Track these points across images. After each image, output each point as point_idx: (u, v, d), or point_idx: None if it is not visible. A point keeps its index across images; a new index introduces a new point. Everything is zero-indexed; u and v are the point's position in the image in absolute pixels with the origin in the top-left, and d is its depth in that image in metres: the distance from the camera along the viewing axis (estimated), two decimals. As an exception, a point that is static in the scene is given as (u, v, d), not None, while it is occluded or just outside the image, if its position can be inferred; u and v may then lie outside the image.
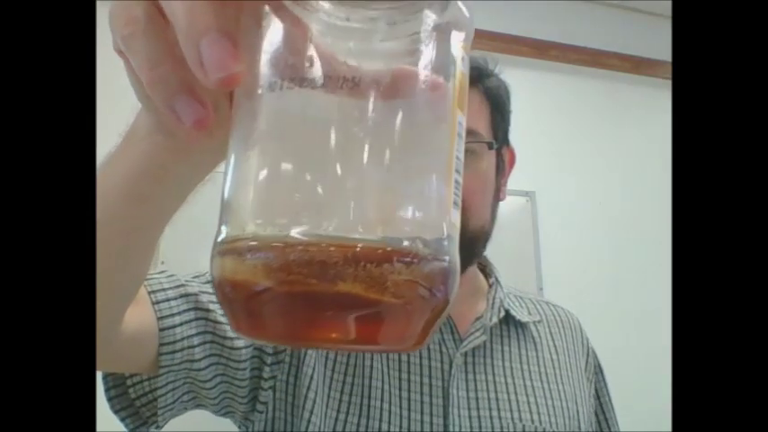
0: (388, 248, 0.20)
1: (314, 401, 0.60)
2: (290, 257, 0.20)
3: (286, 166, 0.21)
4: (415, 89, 0.21)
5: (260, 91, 0.21)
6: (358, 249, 0.20)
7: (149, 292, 0.50)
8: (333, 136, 0.21)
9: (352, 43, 0.21)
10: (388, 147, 0.21)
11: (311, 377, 0.61)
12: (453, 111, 0.23)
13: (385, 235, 0.20)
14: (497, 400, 0.65)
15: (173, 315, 0.51)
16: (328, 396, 0.61)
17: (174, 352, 0.50)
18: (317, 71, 0.20)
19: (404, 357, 0.64)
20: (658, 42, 2.20)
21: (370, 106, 0.20)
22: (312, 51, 0.21)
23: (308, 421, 0.59)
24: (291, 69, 0.21)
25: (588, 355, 0.77)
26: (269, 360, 0.60)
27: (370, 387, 0.62)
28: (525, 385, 0.67)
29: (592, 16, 2.26)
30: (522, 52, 2.03)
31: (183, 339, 0.51)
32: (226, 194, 0.22)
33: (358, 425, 0.60)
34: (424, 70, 0.21)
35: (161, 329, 0.49)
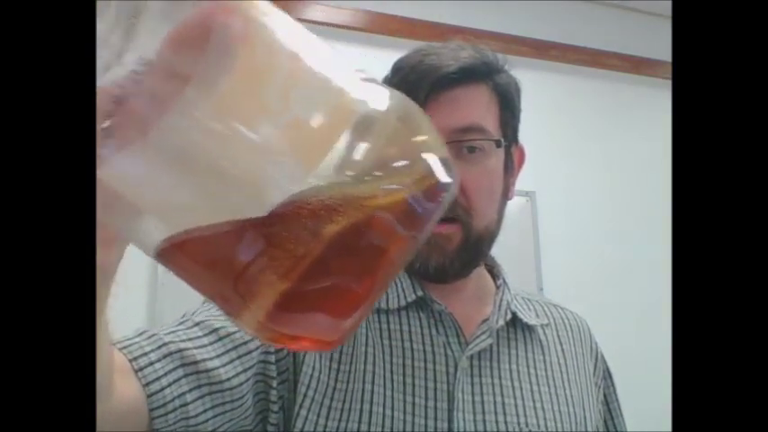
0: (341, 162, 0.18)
1: (305, 418, 0.59)
2: (281, 235, 0.18)
3: (194, 188, 0.19)
4: (198, 32, 0.19)
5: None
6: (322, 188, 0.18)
7: (131, 360, 0.50)
8: (187, 135, 0.19)
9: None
10: (237, 104, 0.19)
11: (304, 394, 0.60)
12: (246, 9, 0.20)
13: (316, 159, 0.18)
14: (503, 404, 0.64)
15: (158, 378, 0.50)
16: (329, 407, 0.60)
17: (166, 414, 0.50)
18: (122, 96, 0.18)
19: (407, 362, 0.64)
20: (658, 42, 2.20)
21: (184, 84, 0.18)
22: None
23: None
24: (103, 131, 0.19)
25: (597, 359, 0.76)
26: (274, 383, 0.60)
27: (372, 393, 0.61)
28: (532, 389, 0.66)
29: (592, 16, 2.26)
30: (522, 52, 2.04)
31: (174, 399, 0.51)
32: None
33: (359, 431, 0.59)
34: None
35: (149, 395, 0.49)
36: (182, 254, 0.20)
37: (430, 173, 0.20)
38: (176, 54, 0.18)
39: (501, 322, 0.67)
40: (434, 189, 0.20)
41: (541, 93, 2.02)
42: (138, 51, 0.18)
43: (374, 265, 0.20)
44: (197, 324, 0.57)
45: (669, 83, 2.21)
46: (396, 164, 0.20)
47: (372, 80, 0.22)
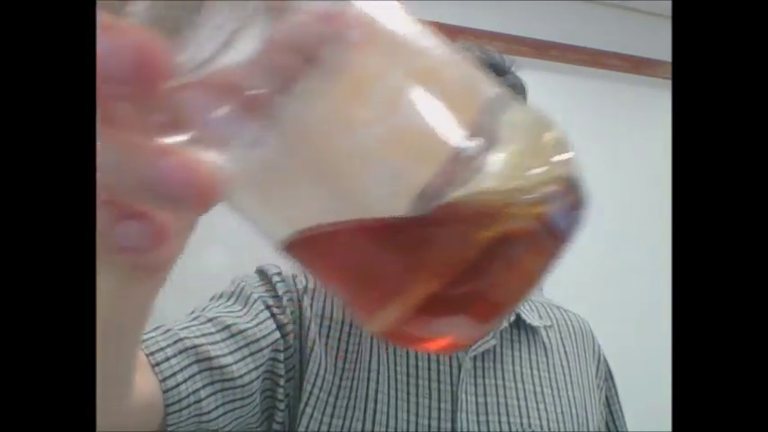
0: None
1: (311, 416, 0.60)
2: (432, 239, 0.18)
3: (326, 181, 0.19)
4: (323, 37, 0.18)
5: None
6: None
7: (148, 355, 0.50)
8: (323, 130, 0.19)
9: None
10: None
11: (309, 392, 0.61)
12: (366, 11, 0.19)
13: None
14: (506, 405, 0.64)
15: (174, 374, 0.51)
16: (334, 406, 0.61)
17: (180, 410, 0.50)
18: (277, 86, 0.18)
19: (412, 361, 0.64)
20: (658, 42, 2.20)
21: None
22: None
23: None
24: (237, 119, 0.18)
25: (599, 361, 0.76)
26: (282, 381, 0.60)
27: (377, 392, 0.61)
28: (535, 391, 0.67)
29: (592, 16, 2.26)
30: (522, 52, 2.03)
31: (189, 395, 0.51)
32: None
33: (363, 431, 0.60)
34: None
35: (165, 391, 0.49)
36: (314, 248, 0.20)
37: (569, 181, 0.20)
38: (293, 49, 0.18)
39: (505, 323, 0.68)
40: (575, 199, 0.20)
41: (541, 93, 2.02)
42: (256, 44, 0.18)
43: (518, 274, 0.20)
44: (210, 320, 0.58)
45: (669, 83, 2.21)
46: (532, 172, 0.19)
47: (495, 84, 0.21)
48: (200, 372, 0.53)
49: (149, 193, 0.17)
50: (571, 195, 0.20)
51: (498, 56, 0.69)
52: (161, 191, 0.17)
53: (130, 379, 0.38)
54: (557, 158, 0.20)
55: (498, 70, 0.67)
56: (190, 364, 0.52)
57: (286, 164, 0.19)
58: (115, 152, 0.18)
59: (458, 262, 0.18)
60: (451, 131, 0.19)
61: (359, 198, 0.19)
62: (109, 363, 0.31)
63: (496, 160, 0.19)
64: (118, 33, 0.16)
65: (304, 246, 0.20)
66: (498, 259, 0.19)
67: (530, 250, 0.19)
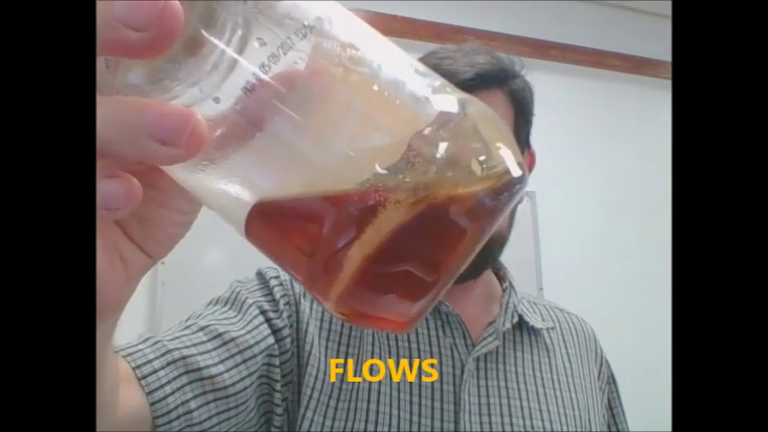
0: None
1: (311, 420, 0.60)
2: (359, 215, 0.19)
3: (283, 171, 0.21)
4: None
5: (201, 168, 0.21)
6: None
7: (134, 368, 0.50)
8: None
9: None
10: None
11: (309, 396, 0.60)
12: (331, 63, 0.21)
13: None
14: (509, 406, 0.64)
15: (162, 386, 0.50)
16: (335, 408, 0.60)
17: (170, 421, 0.50)
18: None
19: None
20: (658, 42, 2.20)
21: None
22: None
23: None
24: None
25: (601, 364, 0.76)
26: (278, 386, 0.60)
27: (379, 392, 0.61)
28: (537, 392, 0.66)
29: (592, 16, 2.26)
30: (522, 52, 2.03)
31: (177, 407, 0.51)
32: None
33: (365, 431, 0.60)
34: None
35: (152, 403, 0.49)
36: (269, 222, 0.22)
37: (503, 168, 0.21)
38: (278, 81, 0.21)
39: (507, 325, 0.68)
40: (506, 183, 0.21)
41: (541, 93, 2.02)
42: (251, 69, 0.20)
43: (442, 252, 0.21)
44: (202, 329, 0.57)
45: (669, 83, 2.21)
46: (470, 161, 0.21)
47: (447, 85, 0.23)
48: (189, 383, 0.53)
49: (143, 138, 0.18)
50: (502, 183, 0.21)
51: (507, 59, 0.69)
52: (156, 132, 0.18)
53: (112, 396, 0.38)
54: (495, 149, 0.22)
55: (508, 74, 0.67)
56: (178, 376, 0.52)
57: (258, 150, 0.21)
58: (113, 107, 0.19)
59: (375, 239, 0.20)
60: (401, 126, 0.20)
61: (311, 174, 0.21)
62: None
63: (436, 150, 0.20)
64: None
65: (261, 220, 0.22)
66: (420, 238, 0.20)
67: (451, 232, 0.21)
